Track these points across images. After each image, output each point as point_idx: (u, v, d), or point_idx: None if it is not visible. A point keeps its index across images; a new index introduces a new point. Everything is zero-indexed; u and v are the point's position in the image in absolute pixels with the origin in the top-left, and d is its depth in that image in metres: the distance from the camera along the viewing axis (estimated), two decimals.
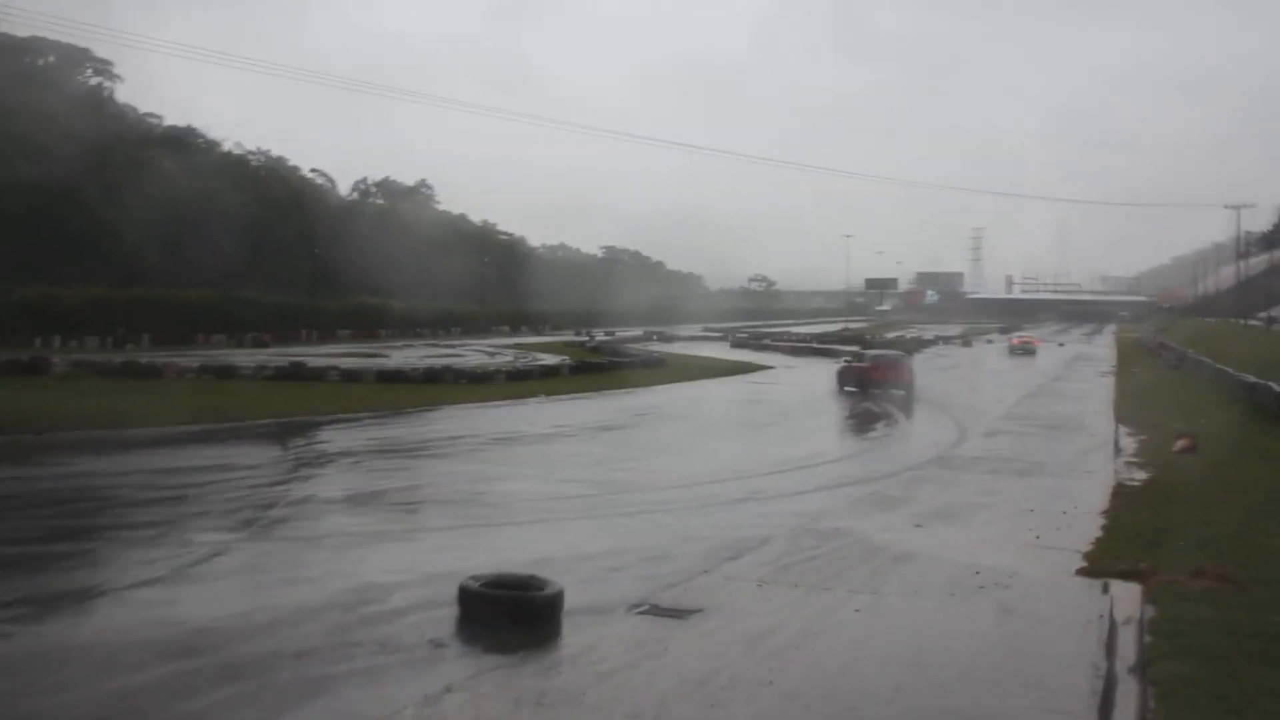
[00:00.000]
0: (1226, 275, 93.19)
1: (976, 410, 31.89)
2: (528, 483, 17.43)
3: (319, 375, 37.62)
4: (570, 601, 8.95)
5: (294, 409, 27.37)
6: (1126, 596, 9.66)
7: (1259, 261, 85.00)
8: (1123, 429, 25.74)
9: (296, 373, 38.10)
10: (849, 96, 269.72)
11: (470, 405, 30.58)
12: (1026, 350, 67.67)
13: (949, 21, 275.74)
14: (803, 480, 18.04)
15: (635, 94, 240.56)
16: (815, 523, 13.54)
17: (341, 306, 73.98)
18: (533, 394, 34.02)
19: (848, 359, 42.25)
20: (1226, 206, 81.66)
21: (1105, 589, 9.98)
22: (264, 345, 57.89)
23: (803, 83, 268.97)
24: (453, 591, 9.00)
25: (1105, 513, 14.53)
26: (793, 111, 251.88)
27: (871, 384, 36.00)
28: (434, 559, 11.42)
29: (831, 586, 9.91)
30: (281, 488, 16.11)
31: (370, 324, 75.06)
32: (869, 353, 42.24)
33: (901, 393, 33.99)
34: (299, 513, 14.25)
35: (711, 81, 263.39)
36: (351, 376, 37.69)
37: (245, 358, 44.45)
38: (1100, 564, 11.00)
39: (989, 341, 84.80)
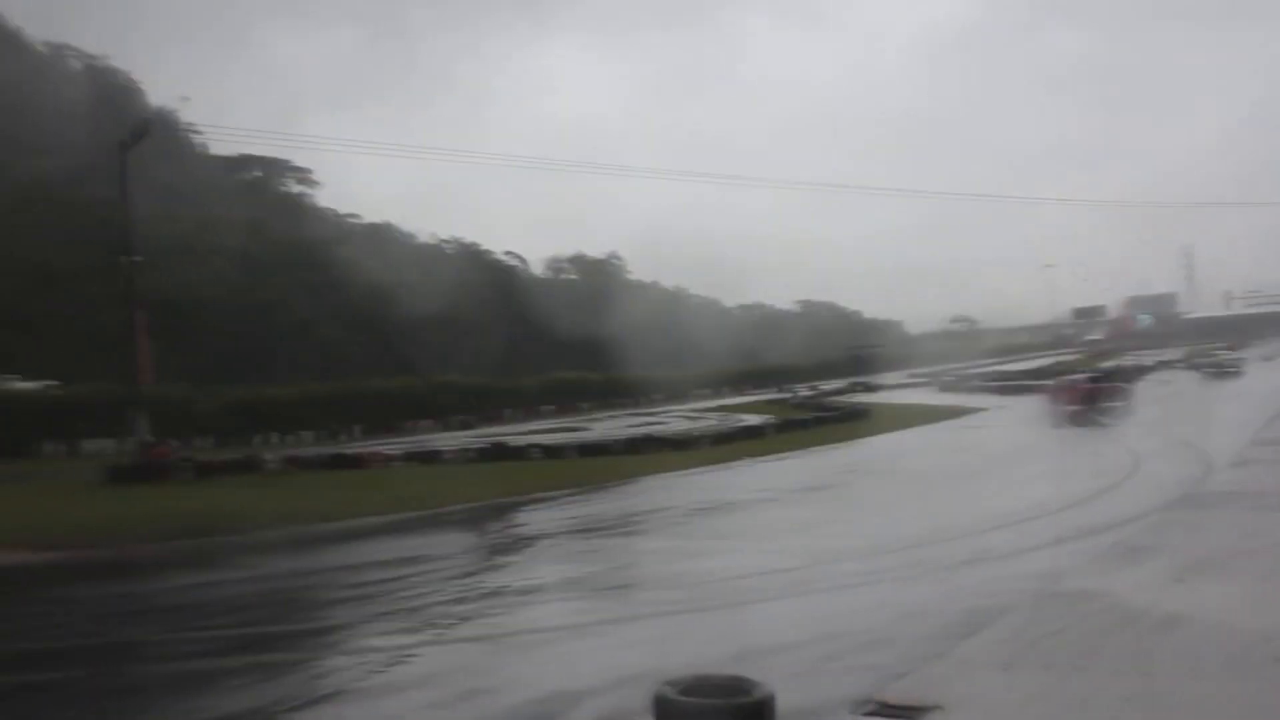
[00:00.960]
0: None
1: (1216, 438, 29.20)
2: (728, 557, 16.29)
3: (520, 454, 37.77)
4: (782, 703, 7.76)
5: (493, 491, 27.15)
6: None
7: None
8: None
9: (498, 453, 38.34)
10: (1034, 127, 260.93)
11: (672, 474, 29.77)
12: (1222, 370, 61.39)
13: (1121, 37, 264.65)
14: (1033, 534, 16.23)
15: (815, 144, 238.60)
16: (1056, 585, 11.87)
17: (541, 383, 75.12)
18: (737, 457, 33.07)
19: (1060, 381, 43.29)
20: None
21: None
22: (468, 427, 59.15)
23: (985, 120, 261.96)
24: (646, 698, 7.94)
25: None
26: (979, 149, 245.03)
27: (1090, 401, 36.80)
28: (628, 657, 10.38)
29: (1088, 666, 8.36)
30: (472, 579, 15.47)
31: (571, 398, 75.91)
32: (1082, 374, 40.95)
33: (1120, 406, 32.61)
34: (487, 608, 13.47)
35: (891, 127, 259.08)
36: (552, 453, 37.67)
37: (448, 441, 45.12)
38: None
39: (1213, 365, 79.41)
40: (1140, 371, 68.05)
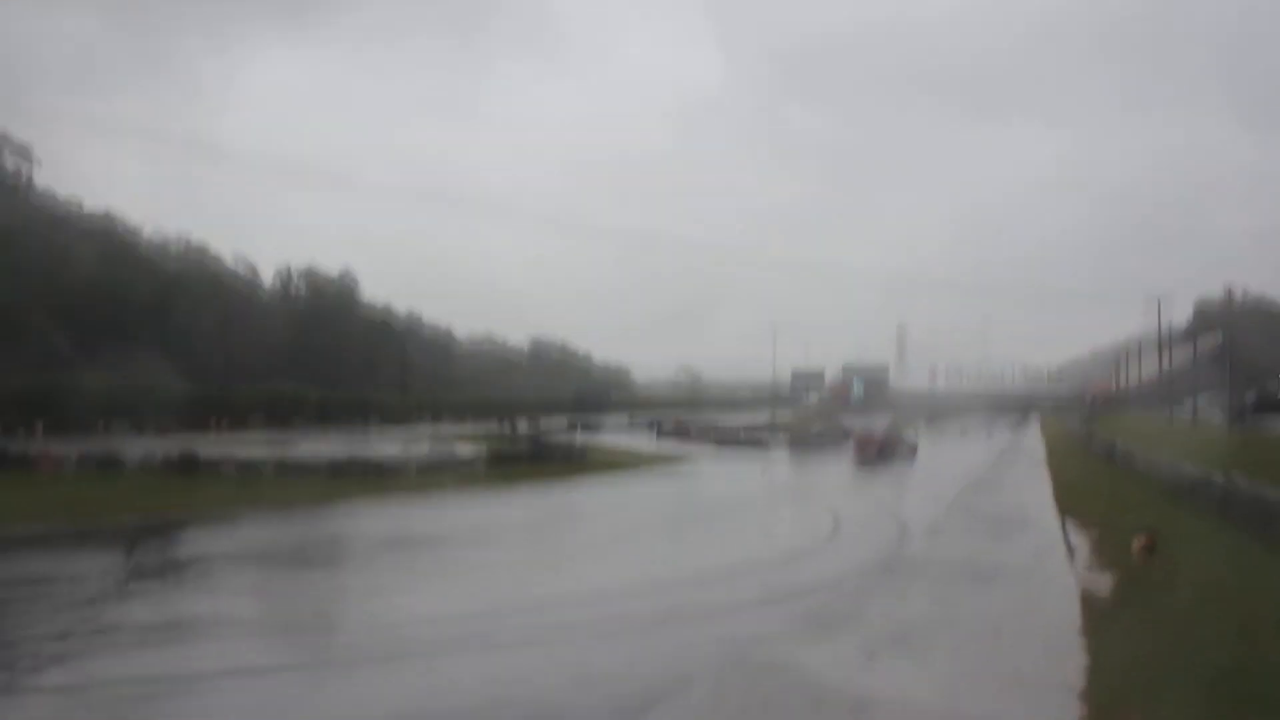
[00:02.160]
0: (1148, 366, 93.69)
1: (915, 505, 29.96)
2: (406, 598, 14.68)
3: (213, 467, 34.77)
4: None
5: (166, 505, 24.56)
6: None
7: (1179, 352, 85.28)
8: (1069, 524, 23.83)
9: (188, 464, 35.16)
10: (775, 193, 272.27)
11: (370, 501, 27.77)
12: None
13: (864, 123, 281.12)
14: (730, 593, 15.40)
15: (562, 186, 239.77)
16: (746, 653, 10.99)
17: (255, 395, 70.78)
18: (442, 488, 31.33)
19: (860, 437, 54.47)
20: (1147, 297, 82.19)
21: None
22: (167, 433, 54.67)
23: (725, 177, 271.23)
24: None
25: (1084, 632, 12.28)
26: (716, 207, 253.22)
27: (881, 452, 48.06)
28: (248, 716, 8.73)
29: None
30: (93, 609, 13.17)
31: (285, 413, 71.93)
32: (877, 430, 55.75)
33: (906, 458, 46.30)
34: (90, 647, 11.30)
35: (636, 175, 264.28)
36: (248, 469, 34.83)
37: (138, 447, 41.33)
38: (1105, 711, 8.67)
39: (915, 434, 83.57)
40: (848, 436, 70.41)
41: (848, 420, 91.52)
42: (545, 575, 17.68)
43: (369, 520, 24.81)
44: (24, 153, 79.48)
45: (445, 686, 10.04)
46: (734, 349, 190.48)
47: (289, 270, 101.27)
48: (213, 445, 43.43)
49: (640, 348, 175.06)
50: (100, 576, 15.73)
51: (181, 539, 20.36)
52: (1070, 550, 20.11)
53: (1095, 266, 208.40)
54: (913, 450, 53.70)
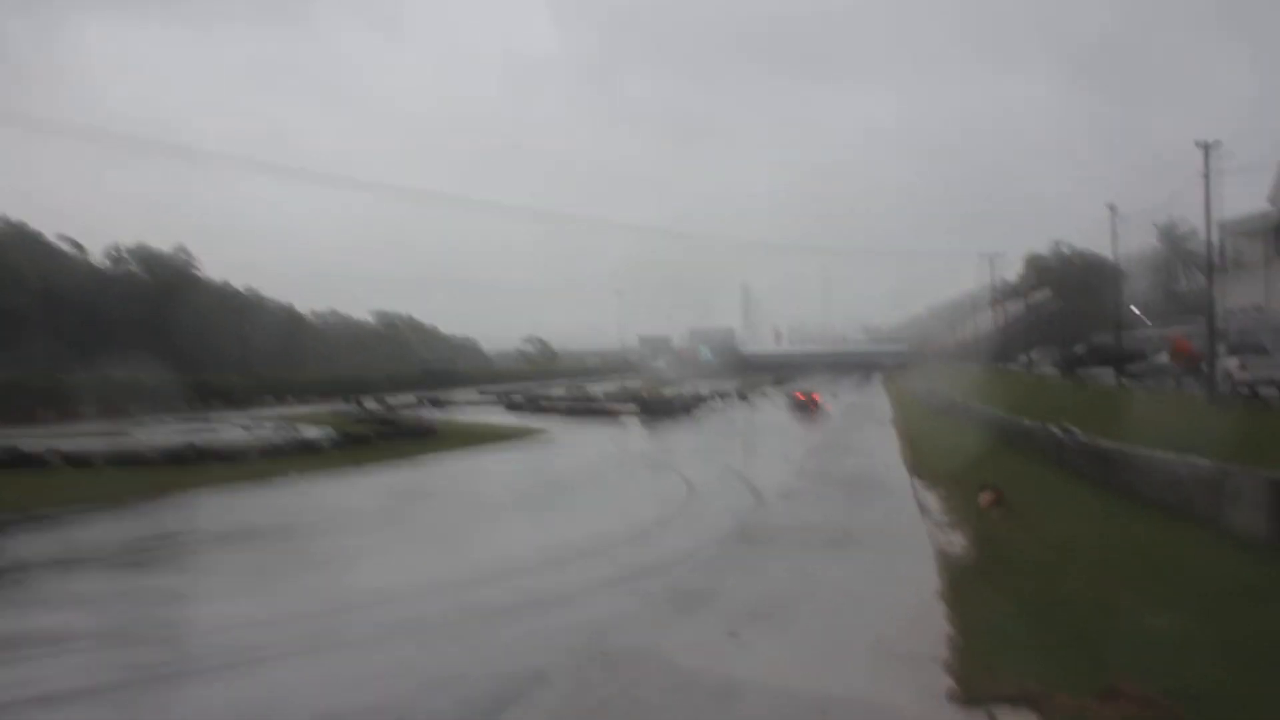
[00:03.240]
0: (983, 322, 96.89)
1: (767, 469, 30.05)
2: (237, 599, 13.69)
3: (36, 460, 32.58)
4: None
5: None
6: None
7: (1014, 307, 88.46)
8: (918, 482, 24.17)
9: (8, 459, 32.90)
10: (613, 158, 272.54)
11: (207, 490, 26.32)
12: (808, 406, 66.45)
13: (699, 87, 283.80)
14: (586, 573, 14.91)
15: (400, 156, 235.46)
16: (604, 641, 10.52)
17: (86, 382, 67.05)
18: (285, 473, 29.99)
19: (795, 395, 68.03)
20: (980, 255, 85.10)
21: None
22: None
23: (565, 142, 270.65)
24: None
25: (943, 595, 12.21)
26: (559, 171, 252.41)
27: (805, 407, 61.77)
28: None
29: None
30: None
31: (119, 400, 68.36)
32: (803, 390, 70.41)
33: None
34: None
35: (472, 138, 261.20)
36: (77, 460, 32.74)
37: None
38: (975, 682, 8.45)
39: (764, 395, 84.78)
40: (698, 401, 70.92)
41: (696, 384, 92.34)
42: (392, 564, 16.91)
43: (206, 513, 23.46)
44: None
45: (279, 698, 9.26)
46: (581, 317, 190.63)
47: (119, 248, 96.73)
48: (38, 438, 41.02)
49: (487, 319, 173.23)
50: None
51: None
52: (922, 510, 20.28)
53: (930, 226, 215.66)
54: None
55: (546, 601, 13.05)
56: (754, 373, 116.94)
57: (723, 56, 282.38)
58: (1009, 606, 11.35)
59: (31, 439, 38.59)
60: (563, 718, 7.90)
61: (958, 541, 16.20)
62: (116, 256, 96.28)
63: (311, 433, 43.40)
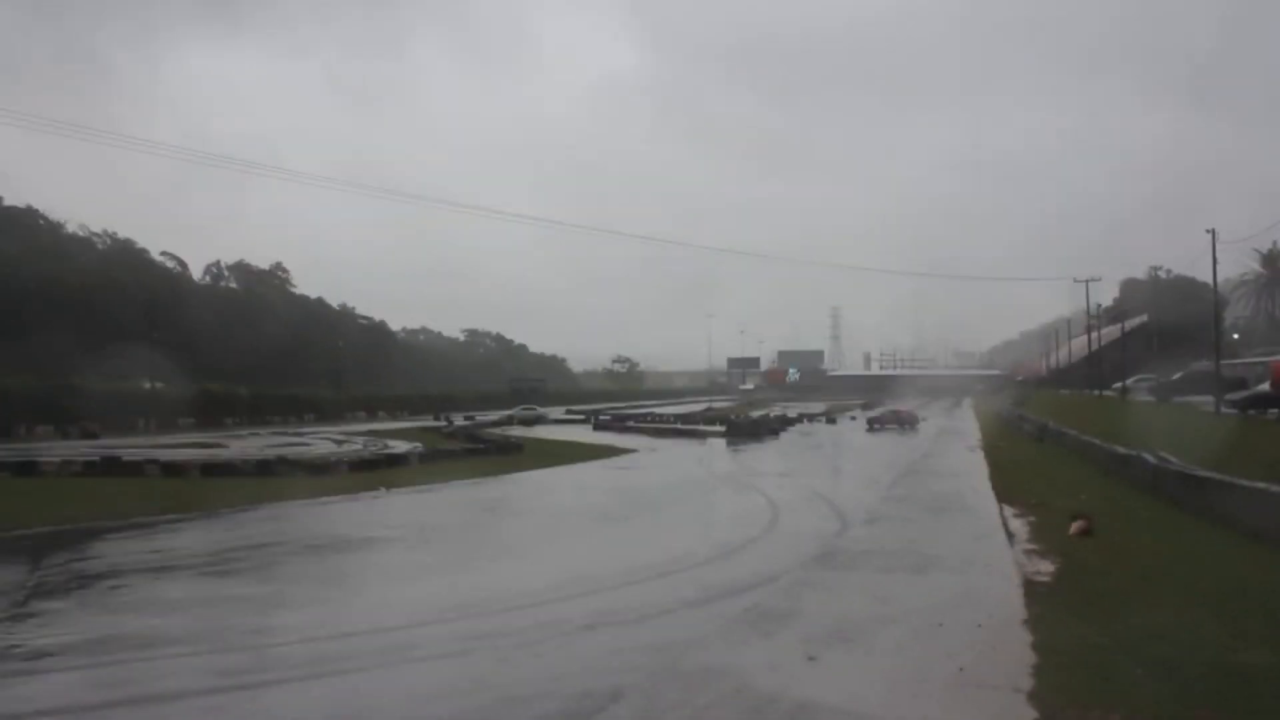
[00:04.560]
0: (1077, 347, 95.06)
1: (852, 492, 29.80)
2: (325, 608, 14.00)
3: (135, 469, 33.81)
4: None
5: (83, 512, 23.55)
6: None
7: (1109, 332, 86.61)
8: (1006, 509, 23.69)
9: (109, 467, 34.21)
10: (701, 182, 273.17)
11: (298, 502, 26.95)
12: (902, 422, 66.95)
13: (789, 108, 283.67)
14: (665, 593, 14.90)
15: (491, 174, 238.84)
16: (680, 660, 10.49)
17: (184, 394, 69.11)
18: (374, 487, 30.53)
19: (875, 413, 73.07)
20: (1075, 280, 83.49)
21: None
22: (93, 436, 53.18)
23: (655, 164, 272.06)
24: None
25: (1027, 623, 11.95)
26: (646, 195, 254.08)
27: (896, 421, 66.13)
28: None
29: None
30: None
31: (216, 412, 70.45)
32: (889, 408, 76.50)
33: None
34: None
35: (559, 163, 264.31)
36: (173, 470, 33.88)
37: (61, 450, 40.14)
38: (1057, 713, 8.26)
39: (852, 418, 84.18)
40: (786, 422, 70.57)
41: (785, 406, 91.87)
42: (474, 578, 17.06)
43: (294, 524, 23.96)
44: None
45: (360, 708, 9.41)
46: (670, 338, 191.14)
47: (219, 264, 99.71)
48: (138, 447, 42.29)
49: (576, 338, 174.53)
50: None
51: (94, 550, 19.37)
52: (1009, 536, 19.89)
53: (1024, 251, 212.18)
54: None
55: (622, 620, 13.07)
56: (842, 395, 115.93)
57: (808, 80, 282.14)
58: (1096, 637, 11.06)
59: (131, 449, 39.83)
60: None
61: (1045, 569, 15.84)
62: (216, 273, 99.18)
63: (400, 447, 44.12)
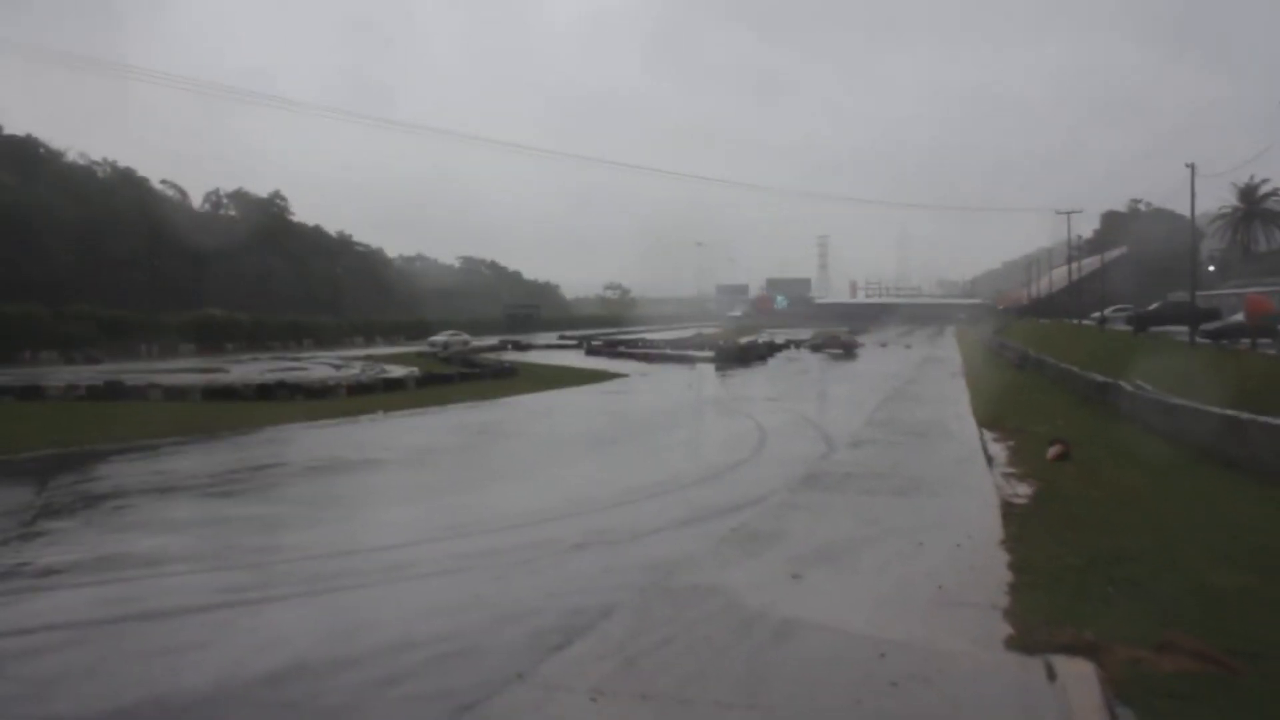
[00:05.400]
0: (1058, 277, 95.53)
1: (838, 416, 30.25)
2: (320, 531, 14.25)
3: (138, 393, 34.19)
4: None
5: (87, 435, 23.85)
6: (1081, 689, 7.28)
7: (1089, 263, 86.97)
8: (987, 434, 24.17)
9: (112, 391, 34.56)
10: (691, 113, 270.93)
11: (298, 425, 27.29)
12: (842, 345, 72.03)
13: (779, 41, 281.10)
14: (655, 513, 15.31)
15: (485, 102, 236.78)
16: (670, 578, 10.87)
17: (185, 320, 69.37)
18: (371, 410, 30.87)
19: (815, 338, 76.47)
20: (1057, 212, 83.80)
21: (1051, 675, 7.61)
22: (95, 362, 53.54)
23: (645, 97, 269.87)
24: None
25: (1004, 544, 12.36)
26: (637, 126, 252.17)
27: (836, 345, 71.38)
28: (135, 672, 8.36)
29: (694, 698, 7.22)
30: None
31: (216, 338, 70.76)
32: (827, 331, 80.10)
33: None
34: None
35: (552, 93, 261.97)
36: (175, 394, 34.24)
37: (66, 375, 40.42)
38: (1031, 630, 8.64)
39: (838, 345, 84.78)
40: (773, 349, 70.95)
41: (772, 332, 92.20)
42: (470, 499, 17.41)
43: (294, 446, 24.33)
44: None
45: (356, 624, 9.75)
46: (661, 265, 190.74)
47: (218, 193, 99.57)
48: (140, 372, 42.54)
49: (569, 265, 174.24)
50: (5, 516, 15.09)
51: (98, 472, 19.71)
52: (989, 460, 20.34)
53: (1006, 182, 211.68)
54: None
55: (614, 539, 13.45)
56: (829, 323, 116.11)
57: (799, 15, 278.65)
58: (1071, 558, 11.45)
59: (133, 373, 40.12)
60: (630, 651, 8.23)
61: (1023, 492, 16.27)
62: (215, 201, 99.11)
63: (397, 372, 44.37)
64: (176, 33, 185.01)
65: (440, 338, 76.63)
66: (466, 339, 79.05)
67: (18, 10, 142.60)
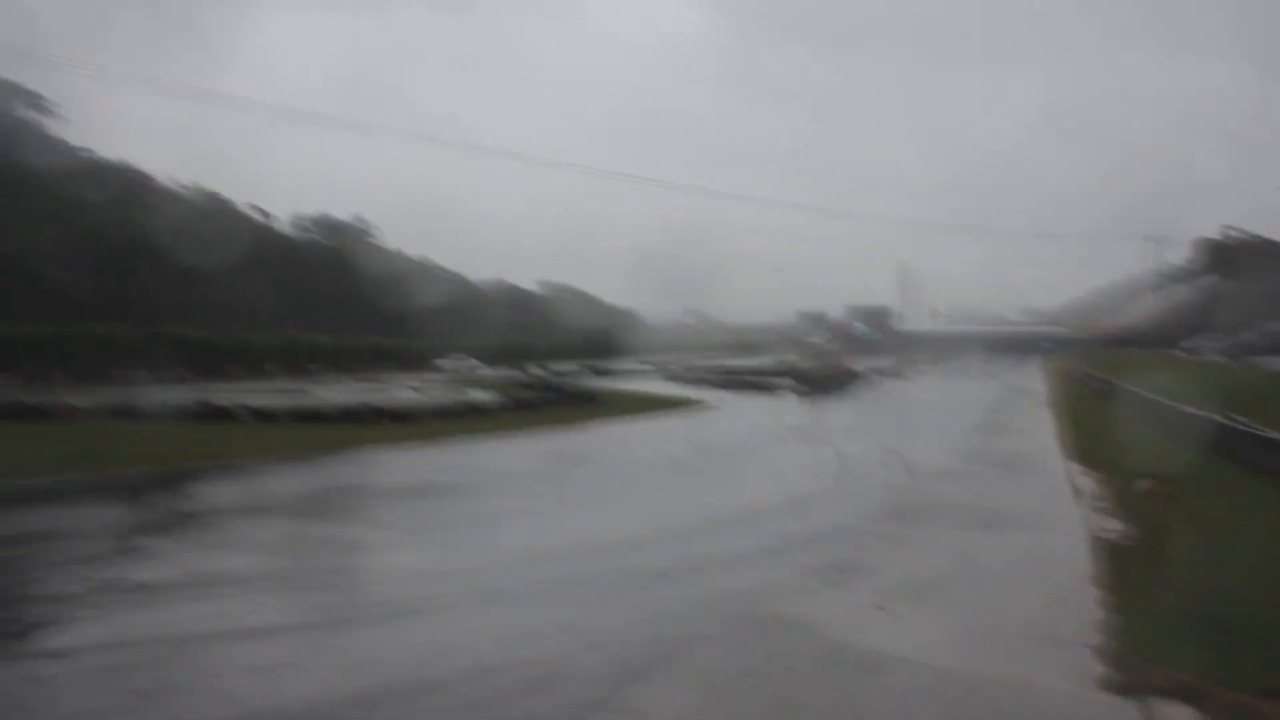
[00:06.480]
0: (1146, 306, 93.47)
1: (921, 446, 29.76)
2: (408, 552, 14.45)
3: (227, 414, 34.79)
4: None
5: (180, 454, 24.48)
6: None
7: (1181, 291, 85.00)
8: (1075, 467, 23.65)
9: (202, 412, 35.20)
10: (770, 139, 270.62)
11: (381, 448, 27.68)
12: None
13: (857, 67, 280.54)
14: (738, 542, 15.24)
15: (564, 131, 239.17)
16: (755, 608, 10.81)
17: (271, 342, 71.05)
18: (455, 434, 31.24)
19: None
20: (1146, 238, 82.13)
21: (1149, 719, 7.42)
22: (185, 382, 54.99)
23: (718, 122, 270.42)
24: None
25: (1096, 580, 12.07)
26: (718, 150, 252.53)
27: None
28: (227, 689, 8.53)
29: None
30: (85, 568, 12.96)
31: (301, 360, 72.37)
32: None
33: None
34: (78, 611, 11.06)
35: (640, 120, 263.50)
36: (263, 416, 34.83)
37: (156, 395, 41.46)
38: (1127, 670, 8.41)
39: (920, 373, 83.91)
40: (852, 376, 70.44)
41: (853, 361, 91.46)
42: (552, 525, 17.49)
43: (379, 468, 24.74)
44: (38, 103, 79.63)
45: (442, 647, 9.84)
46: (740, 291, 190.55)
47: (303, 216, 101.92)
48: (228, 393, 43.51)
49: (647, 291, 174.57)
50: (100, 532, 15.53)
51: (189, 490, 20.21)
52: (1077, 494, 19.93)
53: (1093, 209, 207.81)
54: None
55: (697, 566, 13.39)
56: (910, 350, 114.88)
57: (881, 38, 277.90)
58: (1168, 596, 11.11)
59: (221, 394, 41.05)
60: (714, 681, 8.21)
61: (1114, 527, 15.86)
62: (301, 225, 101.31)
63: (480, 396, 44.72)
64: (258, 60, 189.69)
65: (448, 363, 77.57)
66: (474, 363, 79.88)
67: (108, 39, 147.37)
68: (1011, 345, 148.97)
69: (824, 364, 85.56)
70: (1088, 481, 21.46)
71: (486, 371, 73.33)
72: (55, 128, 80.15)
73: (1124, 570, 12.54)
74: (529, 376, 67.24)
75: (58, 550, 14.28)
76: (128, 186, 77.80)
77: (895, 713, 7.76)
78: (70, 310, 58.37)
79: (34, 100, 79.76)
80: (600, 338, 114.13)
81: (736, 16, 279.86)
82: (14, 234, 59.21)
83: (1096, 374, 65.45)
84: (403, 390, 50.51)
